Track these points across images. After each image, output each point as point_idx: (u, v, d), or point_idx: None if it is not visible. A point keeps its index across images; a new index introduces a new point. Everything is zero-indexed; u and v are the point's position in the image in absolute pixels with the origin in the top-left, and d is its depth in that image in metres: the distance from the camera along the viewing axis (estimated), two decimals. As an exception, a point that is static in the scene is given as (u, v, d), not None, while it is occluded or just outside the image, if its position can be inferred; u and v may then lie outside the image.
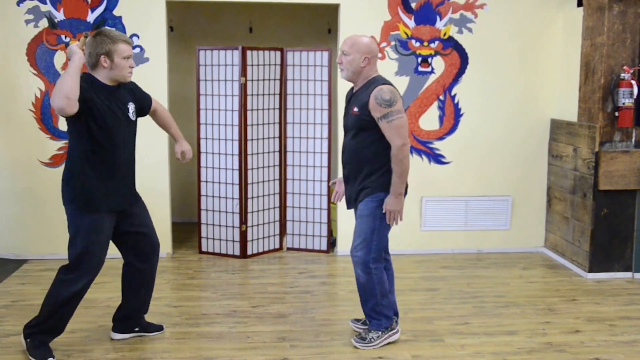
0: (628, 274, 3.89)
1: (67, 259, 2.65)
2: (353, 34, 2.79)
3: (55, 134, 4.05)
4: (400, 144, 2.61)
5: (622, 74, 3.68)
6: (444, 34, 4.15)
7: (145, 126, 4.13)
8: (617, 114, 3.72)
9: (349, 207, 2.88)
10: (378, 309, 2.83)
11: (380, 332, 2.84)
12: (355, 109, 2.69)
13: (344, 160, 2.82)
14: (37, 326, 2.67)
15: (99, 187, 2.59)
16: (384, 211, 2.70)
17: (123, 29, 3.99)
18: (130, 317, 2.90)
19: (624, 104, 3.67)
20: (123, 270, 2.88)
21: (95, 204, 2.59)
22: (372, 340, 2.83)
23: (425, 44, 4.15)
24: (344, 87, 4.16)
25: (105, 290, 3.54)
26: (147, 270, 2.84)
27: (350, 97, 2.80)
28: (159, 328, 2.97)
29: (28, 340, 2.67)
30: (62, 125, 4.05)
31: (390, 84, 2.68)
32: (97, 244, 2.64)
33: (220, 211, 4.25)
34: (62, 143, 4.06)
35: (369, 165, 2.70)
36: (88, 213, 2.59)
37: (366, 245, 2.75)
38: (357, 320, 3.07)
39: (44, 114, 4.03)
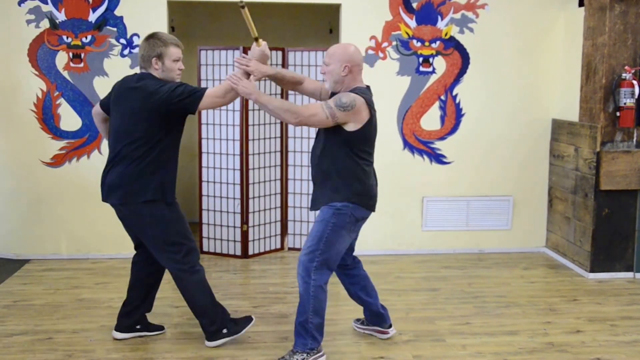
0: (629, 274, 3.88)
1: (176, 256, 2.67)
2: (338, 43, 2.73)
3: (56, 133, 4.05)
4: (298, 120, 2.46)
5: (624, 74, 3.68)
6: (445, 34, 4.15)
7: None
8: (618, 114, 3.72)
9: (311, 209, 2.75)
10: (307, 327, 2.57)
11: (304, 355, 2.58)
12: None
13: (311, 162, 2.72)
14: (216, 321, 2.78)
15: (173, 180, 2.71)
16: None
17: (124, 29, 4.00)
18: (136, 311, 2.90)
19: (625, 104, 3.66)
20: (138, 260, 2.86)
21: (172, 196, 2.68)
22: None
23: (427, 44, 4.14)
24: (345, 87, 4.18)
25: (107, 291, 3.54)
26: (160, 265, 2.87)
27: None
28: (160, 328, 2.98)
29: (224, 331, 2.81)
30: (64, 125, 4.05)
31: (366, 96, 2.53)
32: (189, 229, 2.75)
33: (221, 211, 4.25)
34: (63, 143, 4.06)
35: (332, 173, 2.57)
36: (169, 206, 2.66)
37: (311, 252, 2.56)
38: (358, 320, 3.06)
39: (46, 114, 4.03)
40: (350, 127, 2.53)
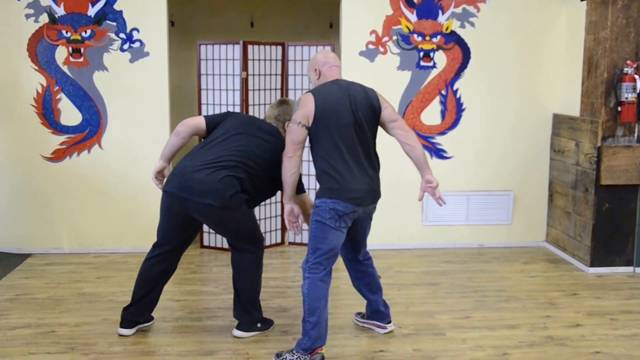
0: (629, 269, 3.89)
1: (253, 248, 2.85)
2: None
3: (57, 128, 4.06)
4: (291, 155, 2.58)
5: (626, 69, 3.67)
6: (446, 29, 4.14)
7: (146, 123, 4.14)
8: (619, 108, 3.71)
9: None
10: (304, 326, 2.57)
11: (297, 355, 2.56)
12: None
13: None
14: (257, 313, 2.92)
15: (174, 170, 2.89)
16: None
17: (124, 24, 3.99)
18: (151, 307, 2.93)
19: (626, 98, 3.66)
20: (162, 259, 2.87)
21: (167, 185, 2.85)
22: None
23: (427, 38, 4.14)
24: (345, 81, 4.17)
25: (109, 285, 3.56)
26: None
27: None
28: (151, 318, 3.00)
29: (259, 325, 2.92)
30: (64, 120, 4.06)
31: (315, 89, 2.62)
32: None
33: (222, 206, 4.25)
34: (64, 138, 4.06)
35: (316, 172, 2.70)
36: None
37: (307, 252, 2.63)
38: (359, 314, 3.07)
39: (46, 109, 4.03)
40: (311, 125, 2.57)
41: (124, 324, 2.89)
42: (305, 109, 2.55)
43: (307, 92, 2.64)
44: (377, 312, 2.94)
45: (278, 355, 2.64)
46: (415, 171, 4.27)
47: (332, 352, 2.75)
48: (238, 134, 2.81)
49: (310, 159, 2.73)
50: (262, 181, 2.80)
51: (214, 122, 2.89)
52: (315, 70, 2.70)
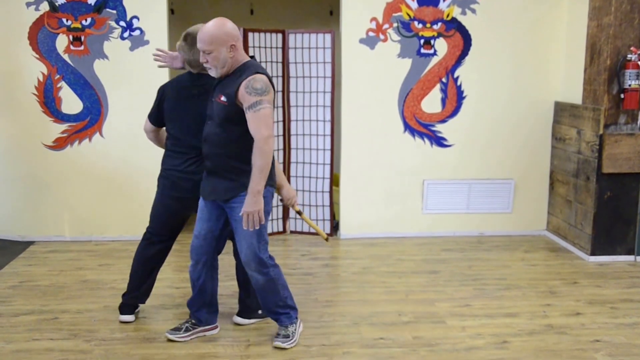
0: (630, 257, 3.89)
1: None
2: (203, 28, 2.42)
3: (58, 117, 4.06)
4: (267, 135, 2.35)
5: (629, 55, 3.63)
6: (447, 15, 4.10)
7: (146, 111, 4.12)
8: (622, 96, 3.68)
9: (207, 199, 2.60)
10: (285, 302, 2.73)
11: (294, 325, 2.75)
12: (223, 98, 2.44)
13: (206, 151, 2.54)
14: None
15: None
16: (240, 213, 2.42)
17: (124, 12, 3.97)
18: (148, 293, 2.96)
19: (630, 85, 3.63)
20: (163, 247, 2.91)
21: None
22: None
23: (428, 25, 4.10)
24: (348, 69, 4.15)
25: (111, 272, 3.58)
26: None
27: (217, 84, 2.52)
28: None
29: (259, 312, 2.90)
30: (66, 108, 4.06)
31: (264, 72, 2.44)
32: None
33: (223, 194, 4.26)
34: (65, 126, 4.07)
35: (238, 160, 2.47)
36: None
37: (258, 242, 2.58)
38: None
39: (47, 97, 4.03)
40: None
41: (126, 309, 2.92)
42: (272, 94, 2.44)
43: (262, 73, 2.42)
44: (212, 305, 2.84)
45: (285, 336, 2.69)
46: (415, 158, 4.29)
47: (333, 339, 2.77)
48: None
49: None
50: None
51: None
52: (232, 45, 2.41)
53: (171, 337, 2.72)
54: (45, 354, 2.60)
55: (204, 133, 2.56)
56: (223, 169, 2.52)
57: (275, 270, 2.67)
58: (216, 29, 2.41)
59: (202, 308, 2.76)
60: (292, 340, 2.68)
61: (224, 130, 2.48)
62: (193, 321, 2.77)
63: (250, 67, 2.46)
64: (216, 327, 2.82)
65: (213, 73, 2.49)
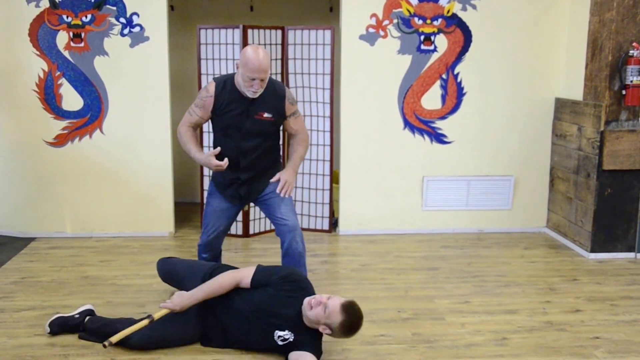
0: (631, 254, 3.88)
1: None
2: (258, 59, 2.66)
3: (59, 113, 4.06)
4: (308, 132, 3.01)
5: (631, 51, 3.61)
6: (448, 12, 4.09)
7: (146, 108, 4.14)
8: (624, 92, 3.67)
9: (246, 203, 3.03)
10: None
11: None
12: (267, 115, 2.84)
13: (246, 164, 2.89)
14: None
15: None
16: (283, 182, 2.89)
17: (124, 8, 3.97)
18: None
19: (631, 81, 3.61)
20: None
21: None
22: None
23: (428, 21, 4.09)
24: (347, 65, 4.15)
25: (111, 269, 3.59)
26: None
27: (251, 102, 2.82)
28: None
29: None
30: (66, 105, 4.06)
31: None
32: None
33: (223, 191, 4.26)
34: (65, 123, 4.08)
35: (272, 163, 2.99)
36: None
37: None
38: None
39: (48, 94, 4.03)
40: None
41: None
42: None
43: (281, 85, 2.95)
44: None
45: None
46: (414, 155, 4.28)
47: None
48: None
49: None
50: None
51: None
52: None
53: None
54: (47, 349, 2.61)
55: (242, 148, 2.86)
56: (262, 174, 2.95)
57: None
58: (267, 57, 2.72)
59: None
60: None
61: (266, 141, 2.91)
62: None
63: (269, 81, 2.84)
64: None
65: (254, 95, 2.78)
